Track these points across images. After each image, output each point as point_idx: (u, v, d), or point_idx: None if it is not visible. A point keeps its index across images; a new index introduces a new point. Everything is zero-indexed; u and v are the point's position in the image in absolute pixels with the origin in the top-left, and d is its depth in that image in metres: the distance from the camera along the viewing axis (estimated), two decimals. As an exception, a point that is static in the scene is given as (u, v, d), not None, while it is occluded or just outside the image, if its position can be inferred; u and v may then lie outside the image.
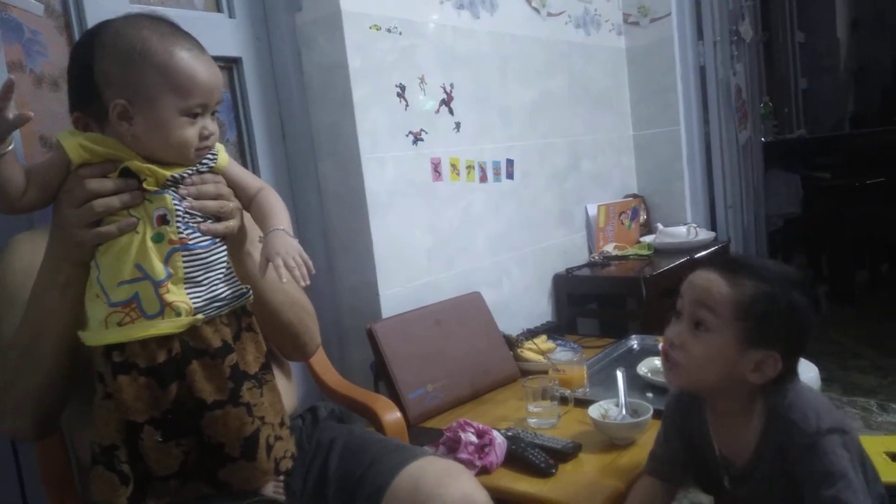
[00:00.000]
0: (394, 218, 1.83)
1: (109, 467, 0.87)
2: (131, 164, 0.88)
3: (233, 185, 0.99)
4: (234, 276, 0.97)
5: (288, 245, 0.92)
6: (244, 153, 1.75)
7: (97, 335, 0.87)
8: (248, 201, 1.00)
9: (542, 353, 1.90)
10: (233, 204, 0.96)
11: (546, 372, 1.75)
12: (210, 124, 0.92)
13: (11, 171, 0.86)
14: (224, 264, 0.95)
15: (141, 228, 0.88)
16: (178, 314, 0.87)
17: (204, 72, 0.90)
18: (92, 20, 1.41)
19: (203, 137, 0.91)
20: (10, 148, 0.84)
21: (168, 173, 0.90)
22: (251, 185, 1.02)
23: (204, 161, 0.95)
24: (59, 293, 0.91)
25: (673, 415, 1.12)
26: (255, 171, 1.75)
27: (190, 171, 0.93)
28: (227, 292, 0.94)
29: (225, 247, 0.95)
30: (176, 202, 0.90)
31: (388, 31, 1.81)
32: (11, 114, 0.81)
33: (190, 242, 0.90)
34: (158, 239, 0.88)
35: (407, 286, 1.86)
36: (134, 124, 0.88)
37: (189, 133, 0.89)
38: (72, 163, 0.88)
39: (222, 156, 0.98)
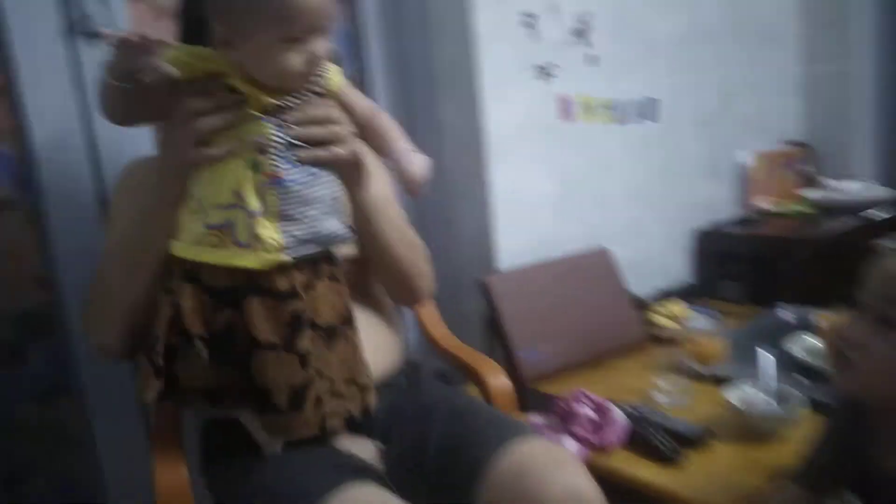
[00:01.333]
0: (516, 162, 1.68)
1: (149, 358, 0.86)
2: (235, 81, 0.83)
3: (345, 110, 0.92)
4: (338, 212, 0.90)
5: (421, 159, 0.91)
6: (362, 89, 1.65)
7: (190, 250, 0.85)
8: (362, 127, 0.93)
9: (675, 318, 1.71)
10: (343, 129, 0.89)
11: (678, 341, 1.57)
12: (318, 48, 0.83)
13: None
14: (328, 198, 0.88)
15: (244, 153, 0.84)
16: (266, 250, 0.83)
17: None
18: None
19: (309, 62, 0.83)
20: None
21: (271, 99, 0.84)
22: (363, 108, 0.94)
23: (314, 85, 0.88)
24: (166, 211, 0.88)
25: (840, 423, 0.92)
26: (372, 108, 1.66)
27: (297, 99, 0.86)
28: (328, 230, 0.88)
29: (329, 180, 0.89)
30: (275, 131, 0.84)
31: (518, -48, 1.62)
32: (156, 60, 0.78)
33: (284, 177, 0.84)
34: (255, 168, 0.83)
35: (527, 238, 1.71)
36: (236, 50, 0.82)
37: (292, 61, 0.82)
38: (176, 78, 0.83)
39: (335, 79, 0.91)
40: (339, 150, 0.88)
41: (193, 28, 0.92)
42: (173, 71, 0.81)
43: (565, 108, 1.75)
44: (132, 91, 0.82)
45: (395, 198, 1.21)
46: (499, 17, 1.60)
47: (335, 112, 0.90)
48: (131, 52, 0.78)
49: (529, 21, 1.65)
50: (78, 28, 1.23)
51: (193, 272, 0.86)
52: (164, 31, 1.32)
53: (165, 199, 0.89)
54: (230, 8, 0.82)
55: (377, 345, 1.07)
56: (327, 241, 0.89)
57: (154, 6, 1.36)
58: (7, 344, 1.27)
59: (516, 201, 1.68)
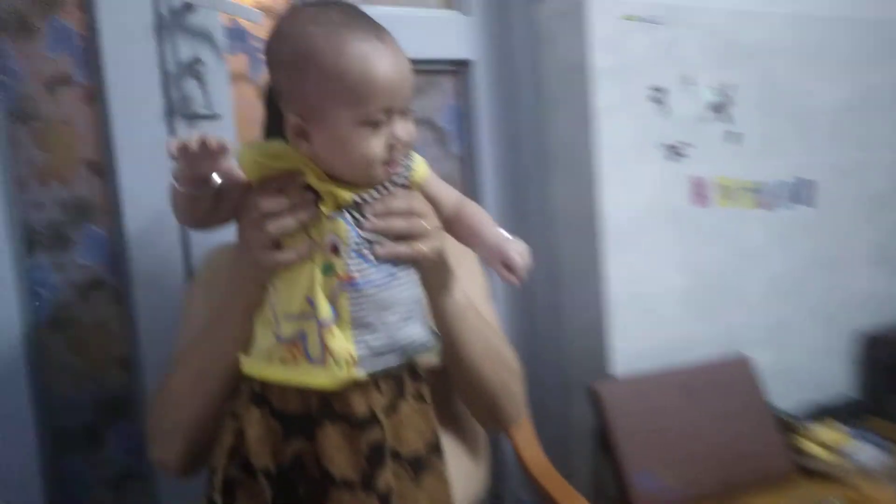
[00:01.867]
0: (637, 251, 1.48)
1: (206, 495, 0.78)
2: (310, 179, 0.77)
3: (431, 203, 0.84)
4: (421, 316, 0.82)
5: (522, 246, 0.82)
6: (470, 167, 1.55)
7: (259, 366, 0.78)
8: (448, 220, 0.86)
9: (831, 446, 1.40)
10: (428, 223, 0.81)
11: (835, 478, 1.28)
12: (400, 130, 0.76)
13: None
14: (408, 301, 0.80)
15: (316, 256, 0.76)
16: (339, 364, 0.74)
17: (384, 68, 0.73)
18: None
19: (391, 148, 0.75)
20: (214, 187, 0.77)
21: (350, 195, 0.77)
22: (450, 199, 0.87)
23: (397, 177, 0.80)
24: (238, 317, 0.82)
25: None
26: (479, 187, 1.54)
27: (377, 192, 0.79)
28: (409, 338, 0.79)
29: (410, 280, 0.80)
30: (352, 229, 0.77)
31: (646, 21, 1.45)
32: (224, 164, 0.73)
33: (359, 279, 0.76)
34: (327, 271, 0.76)
35: (648, 340, 1.50)
36: (312, 142, 0.75)
37: (372, 146, 0.74)
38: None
39: (420, 169, 0.84)
40: (420, 247, 0.80)
41: (275, 119, 0.86)
42: (242, 175, 0.76)
43: (699, 192, 1.54)
44: (201, 197, 0.76)
45: (487, 302, 1.07)
46: (622, 92, 1.44)
47: (419, 203, 0.81)
48: (194, 159, 0.71)
49: (658, 96, 1.48)
50: (178, 110, 1.22)
51: (262, 394, 0.78)
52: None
53: (237, 304, 0.82)
54: (302, 91, 0.74)
55: (458, 476, 0.92)
56: (409, 350, 0.79)
57: (257, 87, 1.34)
58: (88, 428, 1.24)
59: (636, 296, 1.48)
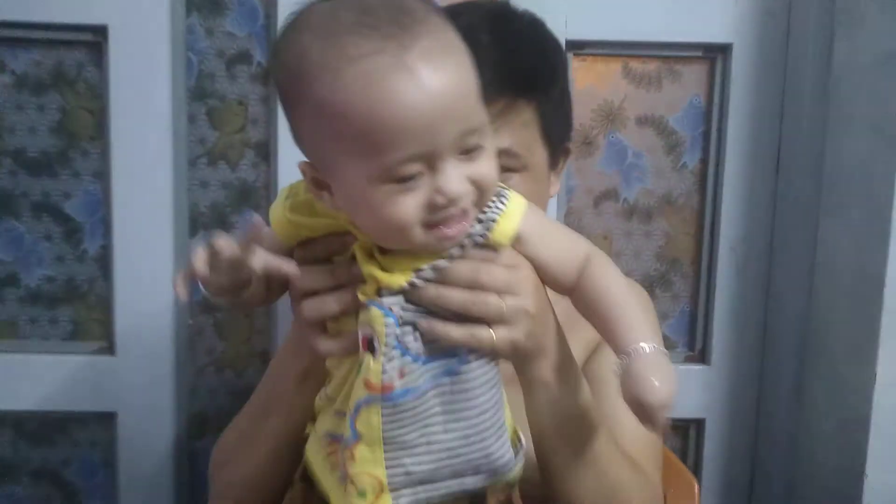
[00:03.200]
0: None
1: None
2: (359, 246, 0.57)
3: (539, 265, 0.60)
4: (494, 430, 0.59)
5: (667, 376, 0.54)
6: (707, 188, 1.18)
7: (311, 448, 0.64)
8: (568, 287, 0.61)
9: None
10: (507, 299, 0.57)
11: None
12: (450, 180, 0.51)
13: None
14: (473, 411, 0.58)
15: (353, 349, 0.59)
16: (362, 494, 0.56)
17: (407, 97, 0.48)
18: None
19: (436, 208, 0.51)
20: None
21: (400, 279, 0.56)
22: (569, 259, 0.60)
23: (463, 237, 0.56)
24: (293, 384, 0.68)
25: None
26: (716, 216, 1.17)
27: (439, 264, 0.56)
28: (472, 460, 0.58)
29: (477, 383, 0.58)
30: (391, 318, 0.56)
31: None
32: (258, 261, 0.55)
33: (397, 389, 0.55)
34: (357, 373, 0.57)
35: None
36: (335, 195, 0.55)
37: (402, 210, 0.51)
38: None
39: (510, 217, 0.58)
40: (484, 333, 0.56)
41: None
42: (286, 268, 0.57)
43: None
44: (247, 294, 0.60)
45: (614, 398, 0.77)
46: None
47: (492, 268, 0.57)
48: (229, 267, 0.55)
49: None
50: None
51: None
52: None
53: (294, 368, 0.68)
54: (304, 130, 0.54)
55: None
56: (473, 474, 0.59)
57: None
58: (222, 413, 1.21)
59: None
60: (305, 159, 0.56)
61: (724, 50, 1.13)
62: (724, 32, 1.12)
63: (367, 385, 0.55)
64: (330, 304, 0.59)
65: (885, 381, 0.98)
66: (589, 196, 1.18)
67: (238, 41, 1.11)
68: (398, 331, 0.56)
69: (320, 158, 0.54)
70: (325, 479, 0.62)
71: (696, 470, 1.22)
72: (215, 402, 1.19)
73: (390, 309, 0.56)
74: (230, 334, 1.18)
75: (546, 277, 0.61)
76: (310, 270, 0.59)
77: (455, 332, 0.56)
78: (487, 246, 0.58)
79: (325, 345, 0.61)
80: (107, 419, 1.15)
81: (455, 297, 0.56)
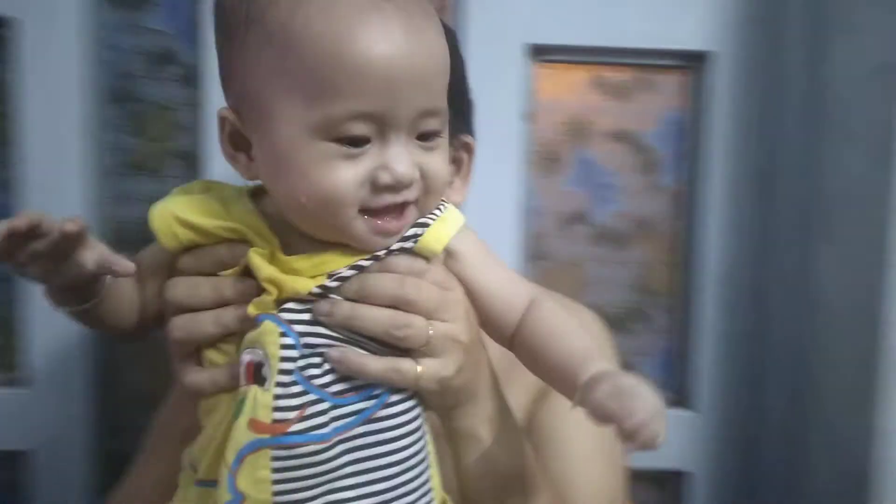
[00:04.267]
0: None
1: None
2: (256, 252, 0.47)
3: (475, 293, 0.51)
4: (415, 495, 0.48)
5: (643, 396, 0.42)
6: (687, 210, 1.05)
7: None
8: (508, 327, 0.52)
9: None
10: (426, 325, 0.48)
11: None
12: (396, 157, 0.44)
13: (118, 300, 0.51)
14: (384, 473, 0.47)
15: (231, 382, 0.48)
16: None
17: (377, 40, 0.43)
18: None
19: (381, 188, 0.45)
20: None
21: (304, 284, 0.46)
22: (511, 294, 0.52)
23: (390, 239, 0.48)
24: (175, 446, 0.54)
25: None
26: (696, 242, 1.04)
27: (356, 267, 0.48)
28: None
29: (398, 430, 0.48)
30: (290, 339, 0.45)
31: None
32: (91, 258, 0.45)
33: (293, 428, 0.44)
34: (237, 412, 0.46)
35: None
36: (253, 158, 0.48)
37: (339, 179, 0.44)
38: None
39: (445, 226, 0.50)
40: (405, 365, 0.47)
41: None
42: (122, 266, 0.46)
43: None
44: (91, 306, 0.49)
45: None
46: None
47: (424, 285, 0.48)
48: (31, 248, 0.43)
49: None
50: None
51: None
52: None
53: (178, 424, 0.58)
54: (241, 62, 0.46)
55: None
56: None
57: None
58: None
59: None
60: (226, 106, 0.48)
61: (703, 58, 1.02)
62: (704, 39, 1.01)
63: (254, 426, 0.44)
64: (205, 322, 0.48)
65: (886, 431, 0.85)
66: (555, 218, 1.06)
67: (162, 39, 1.00)
68: (299, 360, 0.45)
69: (252, 100, 0.45)
70: None
71: (677, 532, 1.07)
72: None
73: (290, 326, 0.45)
74: (153, 365, 1.04)
75: (482, 312, 0.51)
76: (187, 281, 0.49)
77: (373, 364, 0.46)
78: (416, 255, 0.49)
79: (193, 376, 0.49)
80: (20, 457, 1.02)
81: (374, 316, 0.46)
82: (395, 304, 0.47)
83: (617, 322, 1.04)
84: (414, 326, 0.47)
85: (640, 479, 1.06)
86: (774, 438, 1.03)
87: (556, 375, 0.48)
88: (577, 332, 0.50)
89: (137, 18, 0.99)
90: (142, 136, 1.01)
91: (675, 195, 1.06)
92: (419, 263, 0.49)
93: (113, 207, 1.02)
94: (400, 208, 0.46)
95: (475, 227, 0.90)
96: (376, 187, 0.44)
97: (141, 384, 1.04)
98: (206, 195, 0.50)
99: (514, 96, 1.01)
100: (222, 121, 0.48)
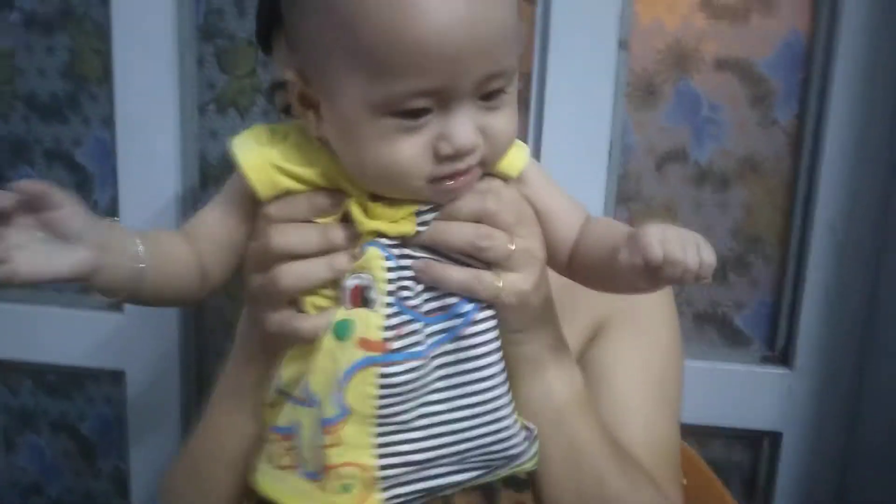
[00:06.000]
0: None
1: None
2: (355, 202, 0.48)
3: (543, 214, 0.53)
4: (503, 410, 0.51)
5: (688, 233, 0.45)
6: (804, 151, 0.94)
7: (261, 473, 0.53)
8: (569, 245, 0.53)
9: None
10: (508, 239, 0.49)
11: None
12: (459, 127, 0.44)
13: (167, 266, 0.50)
14: (475, 388, 0.50)
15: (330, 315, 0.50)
16: (346, 488, 0.48)
17: (442, 17, 0.41)
18: None
19: (443, 158, 0.45)
20: (140, 255, 0.47)
21: (405, 227, 0.48)
22: (573, 213, 0.54)
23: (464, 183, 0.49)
24: (246, 399, 0.56)
25: None
26: (815, 189, 0.93)
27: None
28: (480, 446, 0.50)
29: (486, 348, 0.50)
30: (390, 261, 0.48)
31: None
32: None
33: (395, 346, 0.47)
34: (342, 333, 0.48)
35: None
36: (323, 121, 0.47)
37: (402, 154, 0.44)
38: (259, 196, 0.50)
39: (517, 149, 0.51)
40: (487, 277, 0.49)
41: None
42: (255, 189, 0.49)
43: None
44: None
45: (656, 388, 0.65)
46: None
47: (503, 205, 0.50)
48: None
49: None
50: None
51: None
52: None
53: (245, 378, 0.57)
54: (306, 30, 0.45)
55: None
56: (484, 463, 0.51)
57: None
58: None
59: None
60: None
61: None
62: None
63: (364, 344, 0.47)
64: (319, 268, 0.48)
65: None
66: (650, 156, 0.98)
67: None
68: (396, 282, 0.48)
69: (316, 69, 0.45)
70: (282, 487, 0.50)
71: (767, 492, 1.01)
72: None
73: (390, 251, 0.48)
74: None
75: (546, 233, 0.52)
76: (295, 228, 0.49)
77: (456, 274, 0.48)
78: (493, 177, 0.50)
79: (311, 322, 0.49)
80: (117, 377, 1.11)
81: (460, 229, 0.48)
82: (478, 219, 0.49)
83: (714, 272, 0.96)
84: (496, 238, 0.49)
85: (731, 439, 1.02)
86: (876, 403, 0.93)
87: (610, 263, 0.48)
88: (626, 226, 0.51)
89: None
90: (230, 73, 1.02)
91: (789, 132, 0.95)
92: (497, 182, 0.50)
93: (202, 143, 1.04)
94: (464, 172, 0.46)
95: (561, 163, 0.83)
96: (438, 157, 0.45)
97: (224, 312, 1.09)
98: (293, 143, 0.50)
99: (608, 20, 0.92)
100: (292, 83, 0.47)
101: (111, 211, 1.06)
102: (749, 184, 0.96)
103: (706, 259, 0.43)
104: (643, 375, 0.65)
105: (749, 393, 0.98)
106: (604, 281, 0.52)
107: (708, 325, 1.00)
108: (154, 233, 0.50)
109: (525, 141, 0.95)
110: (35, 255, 0.41)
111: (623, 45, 0.94)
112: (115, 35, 0.99)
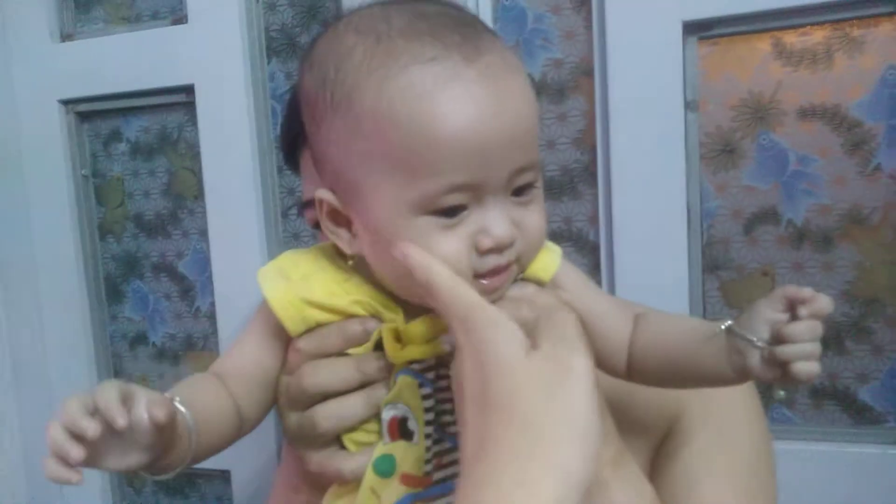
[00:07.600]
0: None
1: None
2: (387, 329, 0.46)
3: (584, 318, 0.48)
4: None
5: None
6: None
7: None
8: (623, 353, 0.50)
9: None
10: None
11: None
12: (496, 221, 0.43)
13: (208, 426, 0.45)
14: None
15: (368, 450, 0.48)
16: None
17: (465, 113, 0.41)
18: None
19: (484, 252, 0.43)
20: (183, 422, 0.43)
21: (436, 349, 0.45)
22: (619, 313, 0.51)
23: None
24: None
25: None
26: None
27: None
28: None
29: None
30: (425, 387, 0.46)
31: None
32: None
33: (439, 479, 0.46)
34: (384, 470, 0.46)
35: None
36: (356, 235, 0.46)
37: (447, 250, 0.43)
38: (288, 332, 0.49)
39: (548, 251, 0.50)
40: None
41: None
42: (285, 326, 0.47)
43: None
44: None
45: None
46: None
47: (537, 310, 0.44)
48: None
49: None
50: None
51: None
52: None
53: None
54: (331, 146, 0.45)
55: None
56: None
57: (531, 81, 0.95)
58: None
59: None
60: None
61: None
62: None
63: (407, 480, 0.45)
64: (356, 405, 0.47)
65: None
66: (737, 220, 0.90)
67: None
68: (436, 407, 0.45)
69: (348, 183, 0.45)
70: None
71: None
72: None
73: (423, 375, 0.46)
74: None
75: (593, 338, 0.48)
76: (327, 365, 0.47)
77: None
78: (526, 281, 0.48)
79: (352, 462, 0.46)
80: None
81: None
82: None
83: (825, 341, 0.85)
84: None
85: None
86: None
87: (689, 361, 0.46)
88: (691, 318, 0.49)
89: (295, 67, 1.04)
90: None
91: (894, 178, 0.84)
92: (531, 287, 0.48)
93: (287, 247, 1.09)
94: (504, 268, 0.44)
95: (637, 236, 0.76)
96: (480, 252, 0.43)
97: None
98: (323, 269, 0.49)
99: (674, 82, 0.87)
100: (320, 202, 0.47)
101: (210, 313, 1.13)
102: (856, 239, 0.86)
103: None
104: (729, 482, 0.58)
105: (885, 478, 0.84)
106: (680, 381, 0.49)
107: (828, 401, 0.89)
108: (189, 390, 0.46)
109: (596, 220, 0.93)
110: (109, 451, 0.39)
111: (691, 106, 0.88)
112: (204, 152, 1.07)
